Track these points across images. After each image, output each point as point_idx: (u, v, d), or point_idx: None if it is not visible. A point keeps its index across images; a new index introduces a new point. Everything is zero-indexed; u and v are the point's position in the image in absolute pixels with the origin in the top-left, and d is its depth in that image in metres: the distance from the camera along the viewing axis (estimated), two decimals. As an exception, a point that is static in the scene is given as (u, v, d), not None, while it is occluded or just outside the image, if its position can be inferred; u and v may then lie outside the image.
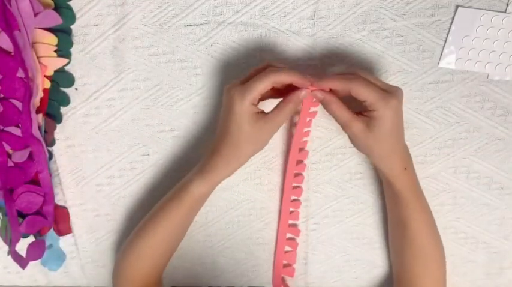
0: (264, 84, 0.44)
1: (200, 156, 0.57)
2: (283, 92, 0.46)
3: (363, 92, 0.42)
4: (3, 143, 0.51)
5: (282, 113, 0.45)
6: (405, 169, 0.48)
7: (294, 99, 0.45)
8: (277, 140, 0.55)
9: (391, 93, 0.43)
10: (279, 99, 0.47)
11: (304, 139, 0.54)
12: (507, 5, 0.48)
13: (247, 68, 0.52)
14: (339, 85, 0.44)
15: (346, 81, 0.43)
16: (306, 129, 0.53)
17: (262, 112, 0.46)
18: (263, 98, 0.47)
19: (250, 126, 0.45)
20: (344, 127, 0.46)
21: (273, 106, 0.46)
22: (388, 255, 0.60)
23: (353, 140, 0.46)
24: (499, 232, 0.59)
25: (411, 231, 0.50)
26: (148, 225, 0.52)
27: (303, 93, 0.45)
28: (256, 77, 0.44)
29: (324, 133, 0.55)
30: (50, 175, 0.55)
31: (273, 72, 0.44)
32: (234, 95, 0.44)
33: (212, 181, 0.49)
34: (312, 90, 0.45)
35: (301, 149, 0.54)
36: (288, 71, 0.44)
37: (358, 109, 0.45)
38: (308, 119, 0.51)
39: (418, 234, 0.50)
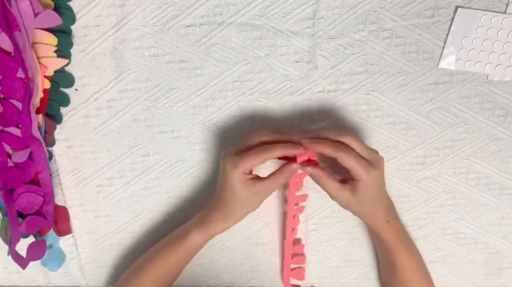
0: (257, 161, 0.47)
1: (199, 156, 0.57)
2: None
3: (348, 163, 0.46)
4: (3, 143, 0.51)
5: (275, 182, 0.49)
6: (387, 221, 0.52)
7: (288, 170, 0.48)
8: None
9: (373, 164, 0.47)
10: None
11: None
12: (507, 5, 0.48)
13: (247, 69, 0.52)
14: (327, 151, 0.47)
15: (334, 150, 0.46)
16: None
17: (257, 177, 0.49)
18: None
19: (243, 192, 0.49)
20: (332, 196, 0.49)
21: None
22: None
23: (340, 204, 0.50)
24: (499, 232, 0.59)
25: (400, 271, 0.54)
26: (145, 264, 0.56)
27: (295, 166, 0.48)
28: (250, 153, 0.47)
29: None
30: (50, 175, 0.55)
31: (266, 150, 0.47)
32: (228, 164, 0.48)
33: (209, 233, 0.53)
34: (302, 165, 0.48)
35: None
36: (280, 147, 0.47)
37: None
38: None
39: (406, 273, 0.54)
